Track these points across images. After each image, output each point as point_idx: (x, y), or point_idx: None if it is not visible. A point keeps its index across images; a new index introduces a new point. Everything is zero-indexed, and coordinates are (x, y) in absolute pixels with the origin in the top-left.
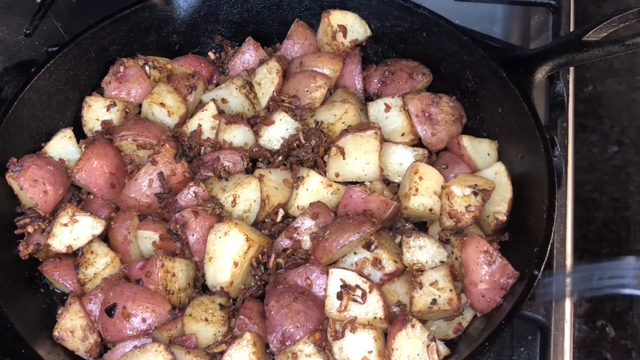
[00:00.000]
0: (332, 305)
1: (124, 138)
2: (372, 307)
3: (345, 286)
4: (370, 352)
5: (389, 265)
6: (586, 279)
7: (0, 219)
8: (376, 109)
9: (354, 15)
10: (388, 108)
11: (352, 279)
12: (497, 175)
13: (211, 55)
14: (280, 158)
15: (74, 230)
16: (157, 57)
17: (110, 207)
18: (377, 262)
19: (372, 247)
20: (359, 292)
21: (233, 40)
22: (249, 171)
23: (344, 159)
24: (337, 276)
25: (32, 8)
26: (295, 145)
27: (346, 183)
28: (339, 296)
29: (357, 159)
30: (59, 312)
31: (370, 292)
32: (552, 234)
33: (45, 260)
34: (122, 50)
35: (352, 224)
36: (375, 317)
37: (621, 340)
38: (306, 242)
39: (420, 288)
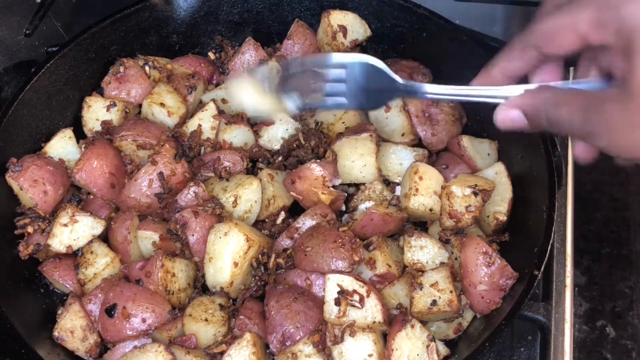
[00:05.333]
0: (331, 311)
1: (123, 138)
2: (371, 312)
3: (342, 292)
4: (370, 355)
5: (381, 267)
6: None
7: (0, 219)
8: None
9: (354, 16)
10: (388, 108)
11: (349, 283)
12: (497, 175)
13: (211, 55)
14: (280, 158)
15: (74, 231)
16: (157, 57)
17: (110, 207)
18: (370, 262)
19: (371, 247)
20: (356, 297)
21: (233, 40)
22: (249, 171)
23: (337, 163)
24: (334, 282)
25: (32, 8)
26: (295, 145)
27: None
28: (337, 302)
29: (354, 161)
30: (59, 312)
31: (367, 296)
32: (552, 234)
33: (45, 260)
34: (122, 50)
35: (331, 253)
36: (374, 322)
37: (621, 340)
38: None
39: (421, 289)
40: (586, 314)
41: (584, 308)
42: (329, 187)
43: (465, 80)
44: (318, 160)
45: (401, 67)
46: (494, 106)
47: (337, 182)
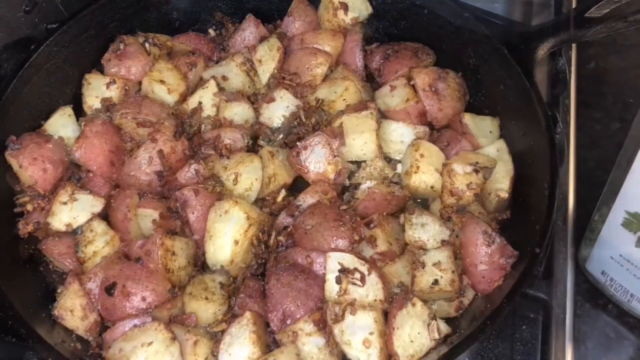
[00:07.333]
0: (332, 289)
1: (123, 116)
2: (372, 290)
3: (343, 270)
4: (371, 333)
5: (382, 245)
6: None
7: (0, 197)
8: (383, 92)
9: None
10: (393, 88)
11: (350, 261)
12: (499, 153)
13: (211, 32)
14: (281, 136)
15: (74, 209)
16: (157, 35)
17: (110, 185)
18: (372, 240)
19: (372, 225)
20: (357, 275)
21: (233, 17)
22: (250, 149)
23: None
24: (334, 260)
25: None
26: (296, 122)
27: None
28: (338, 280)
29: (355, 139)
30: (59, 291)
31: (369, 274)
32: (554, 211)
33: (45, 238)
34: (122, 27)
35: (331, 232)
36: (375, 300)
37: (624, 317)
38: None
39: (423, 268)
40: (588, 291)
41: (586, 286)
42: (335, 155)
43: (466, 58)
44: (323, 132)
45: (406, 47)
46: None
47: (344, 150)
